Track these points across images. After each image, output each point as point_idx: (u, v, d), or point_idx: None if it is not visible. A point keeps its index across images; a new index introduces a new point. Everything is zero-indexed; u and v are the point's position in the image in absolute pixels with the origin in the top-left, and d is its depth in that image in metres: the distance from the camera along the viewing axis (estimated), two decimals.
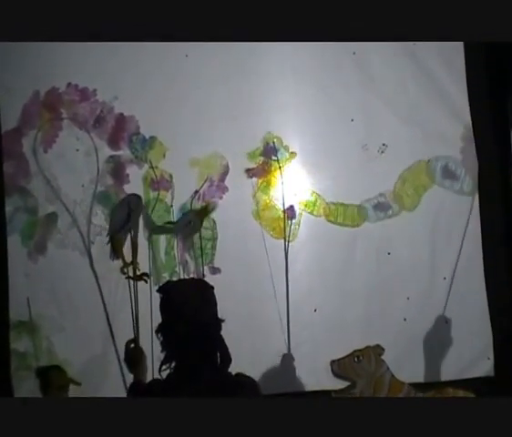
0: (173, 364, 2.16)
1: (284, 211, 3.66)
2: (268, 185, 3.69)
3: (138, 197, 3.29)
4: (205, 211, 3.55)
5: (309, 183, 3.72)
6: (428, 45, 3.71)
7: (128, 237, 3.19)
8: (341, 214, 3.71)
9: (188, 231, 3.54)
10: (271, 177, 3.69)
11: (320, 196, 3.70)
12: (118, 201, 3.39)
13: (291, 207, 3.67)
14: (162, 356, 2.16)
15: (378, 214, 3.73)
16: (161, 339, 2.17)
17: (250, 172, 3.66)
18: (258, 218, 3.65)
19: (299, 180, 3.71)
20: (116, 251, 3.24)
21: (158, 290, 2.24)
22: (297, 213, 3.67)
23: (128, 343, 2.76)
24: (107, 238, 3.27)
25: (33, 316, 3.49)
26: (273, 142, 3.68)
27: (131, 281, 3.14)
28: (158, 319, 2.19)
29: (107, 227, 3.48)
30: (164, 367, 2.16)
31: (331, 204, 3.70)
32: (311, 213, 3.70)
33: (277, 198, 3.69)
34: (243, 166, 3.66)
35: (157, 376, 2.19)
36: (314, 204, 3.71)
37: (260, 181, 3.68)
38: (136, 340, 2.84)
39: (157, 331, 2.18)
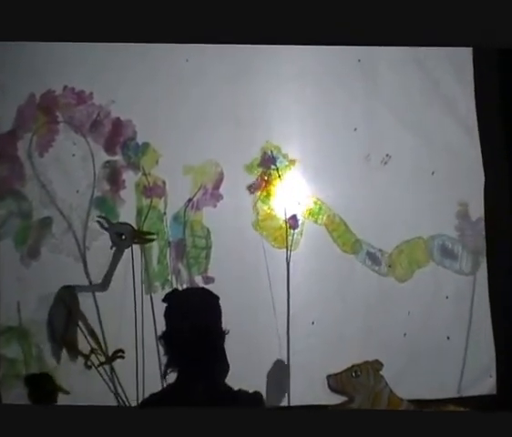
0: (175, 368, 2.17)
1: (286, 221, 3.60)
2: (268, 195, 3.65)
3: (68, 288, 3.42)
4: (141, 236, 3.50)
5: (309, 191, 3.65)
6: (436, 51, 3.64)
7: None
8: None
9: (120, 243, 3.48)
10: (271, 188, 3.64)
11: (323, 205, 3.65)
12: (52, 304, 3.43)
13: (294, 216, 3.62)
14: (165, 360, 2.22)
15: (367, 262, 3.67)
16: (163, 345, 2.20)
17: (251, 188, 3.61)
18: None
19: (299, 189, 3.65)
20: (72, 352, 3.39)
21: (163, 300, 2.33)
22: (299, 222, 3.62)
23: None
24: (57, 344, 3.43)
25: (23, 321, 3.46)
26: (271, 151, 3.63)
27: None
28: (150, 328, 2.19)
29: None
30: (168, 371, 2.18)
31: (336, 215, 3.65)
32: (315, 221, 3.64)
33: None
34: (240, 175, 3.60)
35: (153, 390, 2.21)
36: (318, 213, 3.65)
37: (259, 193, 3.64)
38: None
39: (160, 338, 2.21)
